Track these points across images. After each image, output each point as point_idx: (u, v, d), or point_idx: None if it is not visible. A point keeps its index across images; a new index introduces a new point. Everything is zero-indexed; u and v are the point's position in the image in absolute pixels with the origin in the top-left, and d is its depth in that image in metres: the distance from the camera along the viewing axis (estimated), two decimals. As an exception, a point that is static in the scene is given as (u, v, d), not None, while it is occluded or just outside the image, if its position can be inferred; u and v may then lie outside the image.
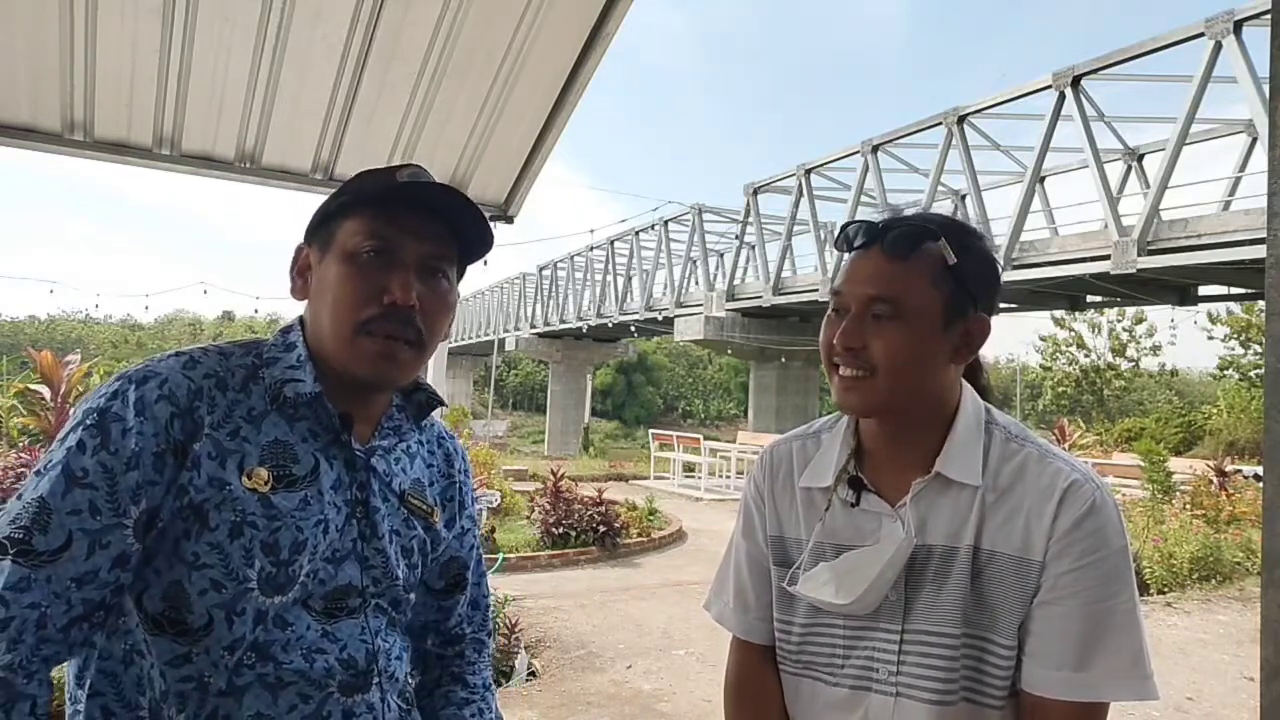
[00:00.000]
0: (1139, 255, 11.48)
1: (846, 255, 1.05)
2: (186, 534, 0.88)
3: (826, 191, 18.98)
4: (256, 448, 0.92)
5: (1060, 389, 35.66)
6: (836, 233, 1.07)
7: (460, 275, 1.08)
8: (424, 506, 1.09)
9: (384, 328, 0.95)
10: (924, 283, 0.99)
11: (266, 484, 0.91)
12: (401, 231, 0.97)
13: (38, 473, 0.86)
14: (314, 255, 1.01)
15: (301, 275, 1.03)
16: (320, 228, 1.01)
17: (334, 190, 1.03)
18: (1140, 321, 31.99)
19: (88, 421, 0.87)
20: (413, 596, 1.08)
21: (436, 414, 1.19)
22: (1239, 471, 11.09)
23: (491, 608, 1.28)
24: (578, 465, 18.10)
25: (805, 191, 18.23)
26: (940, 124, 14.52)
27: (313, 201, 1.04)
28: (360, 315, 0.95)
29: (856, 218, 1.06)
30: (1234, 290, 14.53)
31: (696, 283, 23.48)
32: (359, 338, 0.95)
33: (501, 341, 35.50)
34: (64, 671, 0.94)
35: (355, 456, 1.00)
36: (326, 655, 0.93)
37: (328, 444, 0.98)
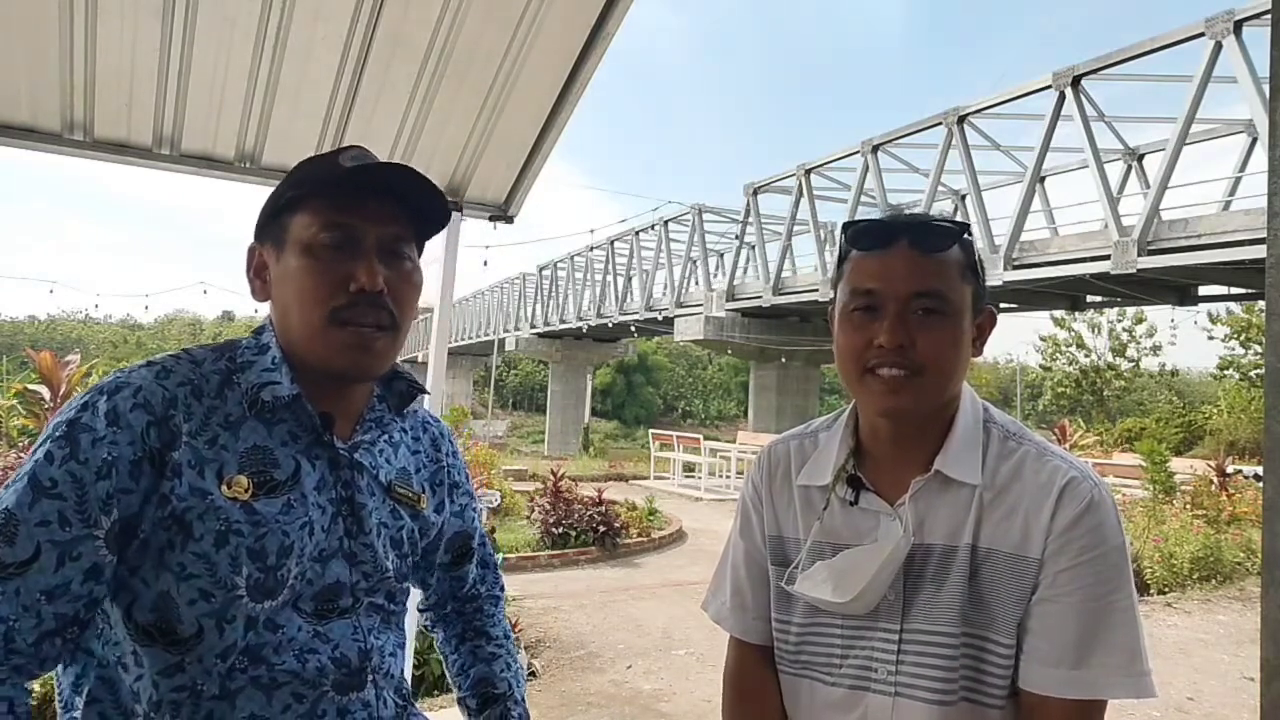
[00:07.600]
0: (1139, 255, 11.49)
1: (859, 253, 1.03)
2: (171, 544, 0.86)
3: (826, 191, 19.02)
4: (235, 455, 0.91)
5: (1060, 389, 35.64)
6: (843, 229, 1.05)
7: (419, 251, 1.06)
8: (410, 495, 1.08)
9: (355, 315, 0.93)
10: (957, 278, 1.00)
11: (247, 491, 0.90)
12: (357, 217, 0.95)
13: (6, 486, 0.84)
14: (268, 254, 0.99)
15: (259, 276, 1.00)
16: (271, 224, 0.98)
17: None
18: (1140, 321, 31.98)
19: (56, 434, 0.85)
20: (407, 585, 1.09)
21: (425, 402, 1.19)
22: (1239, 472, 11.06)
23: (500, 565, 1.35)
24: (578, 465, 18.08)
25: (805, 191, 18.24)
26: (940, 124, 14.53)
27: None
28: (328, 307, 0.93)
29: (860, 217, 1.06)
30: (1234, 290, 14.53)
31: (696, 283, 23.49)
32: (330, 329, 0.93)
33: (501, 342, 35.51)
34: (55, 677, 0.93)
35: (339, 455, 0.99)
36: (319, 655, 0.93)
37: (309, 445, 0.97)
